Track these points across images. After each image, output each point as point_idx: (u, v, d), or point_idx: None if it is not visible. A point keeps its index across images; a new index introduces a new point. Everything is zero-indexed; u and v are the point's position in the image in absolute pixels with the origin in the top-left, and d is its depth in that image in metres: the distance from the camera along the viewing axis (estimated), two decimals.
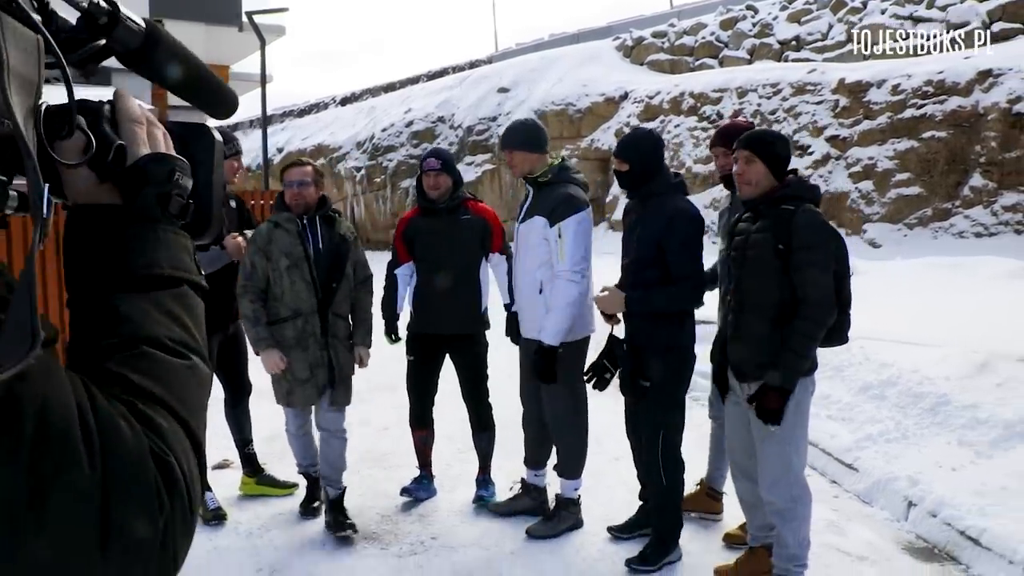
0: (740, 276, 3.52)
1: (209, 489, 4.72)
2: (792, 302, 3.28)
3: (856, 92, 15.72)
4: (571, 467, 4.42)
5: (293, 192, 4.35)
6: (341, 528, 4.34)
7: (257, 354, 4.37)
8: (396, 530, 4.47)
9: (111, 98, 0.86)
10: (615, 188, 20.37)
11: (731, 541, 4.15)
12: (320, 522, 4.55)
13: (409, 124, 25.62)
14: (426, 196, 4.74)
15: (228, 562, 4.12)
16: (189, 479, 0.71)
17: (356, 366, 4.55)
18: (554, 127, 21.52)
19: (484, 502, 4.76)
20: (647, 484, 4.21)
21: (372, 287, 4.63)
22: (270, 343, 4.26)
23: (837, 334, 3.42)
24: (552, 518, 4.39)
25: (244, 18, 14.47)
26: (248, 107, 38.02)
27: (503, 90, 23.41)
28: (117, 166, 0.81)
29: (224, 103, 0.98)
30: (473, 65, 27.73)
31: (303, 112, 33.92)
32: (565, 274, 4.04)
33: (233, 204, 4.99)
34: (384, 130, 26.45)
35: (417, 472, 4.97)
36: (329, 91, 34.74)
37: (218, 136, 0.94)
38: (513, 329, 4.59)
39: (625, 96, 21.06)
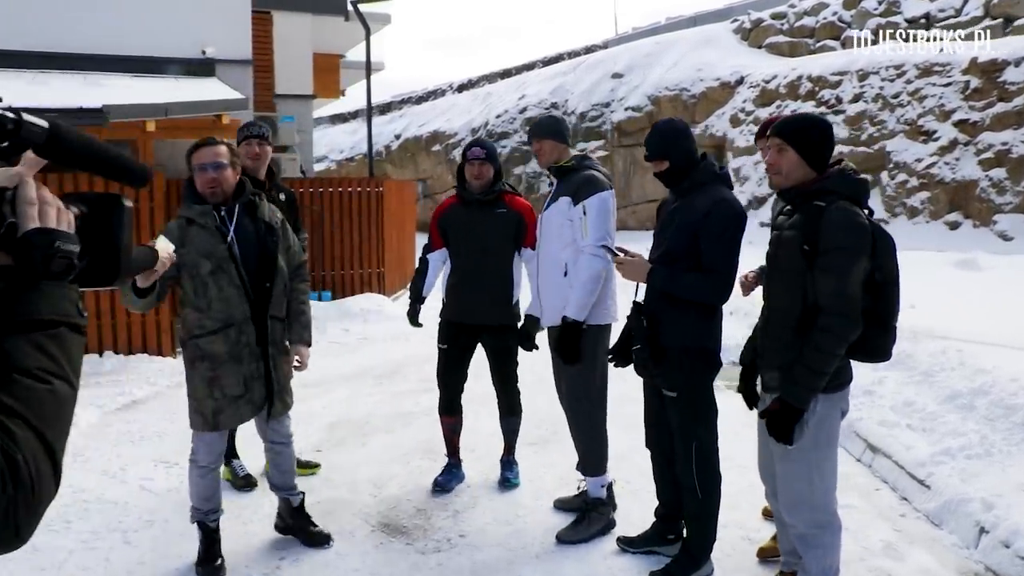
0: (769, 276, 3.23)
1: (236, 457, 5.02)
2: (816, 310, 2.96)
3: (990, 72, 14.64)
4: (592, 463, 4.25)
5: (208, 177, 3.62)
6: (317, 540, 4.11)
7: None
8: (427, 525, 4.37)
9: (16, 184, 1.09)
10: None
11: (765, 555, 3.85)
12: (344, 515, 4.50)
13: (523, 110, 25.58)
14: (466, 185, 4.69)
15: (251, 547, 4.11)
16: (34, 474, 0.96)
17: (293, 370, 4.03)
18: (667, 113, 21.01)
19: (510, 484, 4.86)
20: (666, 501, 3.97)
21: (307, 274, 4.18)
22: None
23: (875, 351, 3.05)
24: (581, 521, 4.19)
25: (350, 7, 14.64)
26: (353, 95, 38.95)
27: (617, 76, 23.04)
28: (9, 238, 1.07)
29: (132, 176, 1.22)
30: (588, 50, 27.43)
31: (421, 99, 34.36)
32: (589, 248, 3.95)
33: (283, 197, 4.98)
34: (498, 116, 26.51)
35: (446, 460, 5.00)
36: (447, 77, 34.89)
37: (128, 204, 1.21)
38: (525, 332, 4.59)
39: (741, 81, 20.35)
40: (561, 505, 4.53)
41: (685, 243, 3.55)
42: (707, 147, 20.66)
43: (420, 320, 4.93)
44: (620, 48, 25.15)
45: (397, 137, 31.89)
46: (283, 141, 13.76)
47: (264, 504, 4.61)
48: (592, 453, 4.25)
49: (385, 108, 36.25)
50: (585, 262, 3.95)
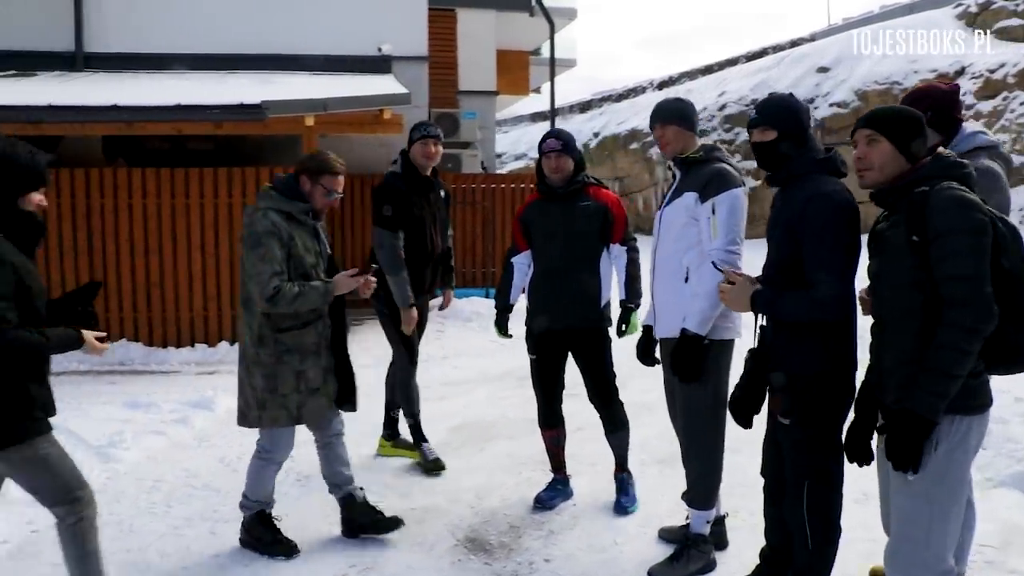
0: (877, 286, 2.66)
1: (425, 440, 5.17)
2: (939, 307, 2.40)
3: None
4: (700, 494, 3.74)
5: (331, 202, 3.87)
6: (389, 526, 4.04)
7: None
8: (514, 544, 4.04)
9: None
10: None
11: None
12: (435, 524, 4.26)
13: (722, 108, 24.60)
14: (545, 180, 4.38)
15: (317, 560, 3.95)
16: None
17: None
18: None
19: (623, 510, 4.40)
20: (774, 543, 3.37)
21: None
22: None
23: (1010, 355, 2.44)
24: (678, 558, 3.71)
25: (534, 2, 14.52)
26: (566, 92, 38.98)
27: (823, 69, 21.62)
28: None
29: None
30: (794, 44, 25.96)
31: (621, 97, 33.94)
32: (717, 253, 3.46)
33: (442, 194, 5.21)
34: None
35: (550, 476, 4.65)
36: (647, 75, 34.31)
37: None
38: (644, 345, 3.99)
39: (961, 71, 18.47)
40: (666, 535, 4.06)
41: (788, 249, 3.00)
42: None
43: (510, 331, 4.67)
44: (828, 40, 23.60)
45: (596, 135, 31.65)
46: (464, 137, 13.85)
47: (313, 505, 4.46)
48: (701, 483, 3.75)
49: (585, 106, 36.16)
50: (711, 269, 3.44)
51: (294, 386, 3.76)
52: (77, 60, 10.90)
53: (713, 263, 3.40)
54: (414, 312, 4.93)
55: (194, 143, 11.23)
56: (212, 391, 6.79)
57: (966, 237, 2.36)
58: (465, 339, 9.42)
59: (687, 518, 3.97)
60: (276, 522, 4.00)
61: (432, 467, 5.05)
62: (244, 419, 3.87)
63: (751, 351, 3.15)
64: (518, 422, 6.08)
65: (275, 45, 11.10)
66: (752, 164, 22.37)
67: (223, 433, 5.85)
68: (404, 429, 5.31)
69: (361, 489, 4.10)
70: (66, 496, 3.03)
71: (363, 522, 4.04)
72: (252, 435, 5.62)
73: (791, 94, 3.27)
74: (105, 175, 8.48)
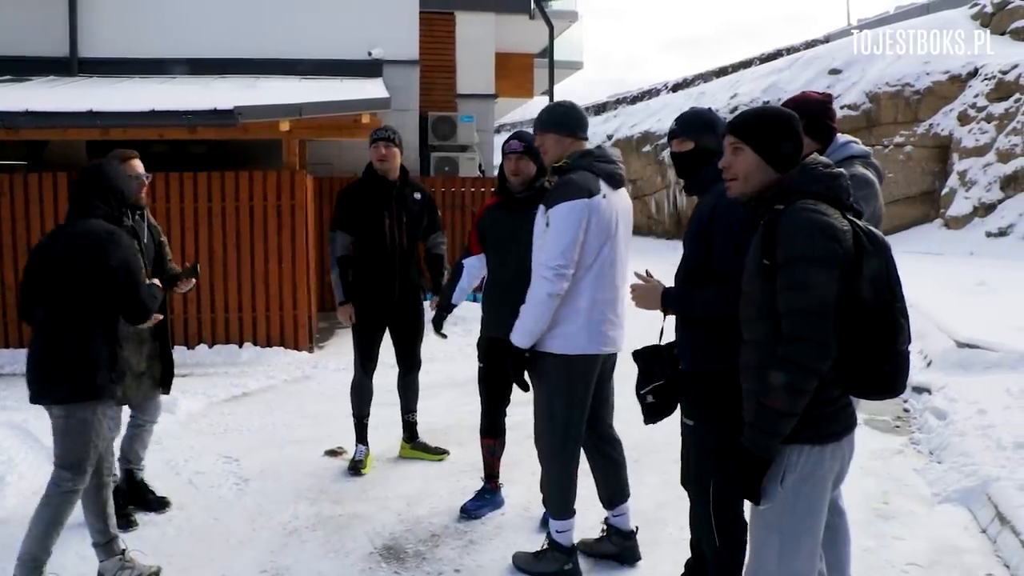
0: (741, 312, 2.57)
1: (365, 443, 5.28)
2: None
3: None
4: (552, 503, 3.74)
5: (142, 184, 4.33)
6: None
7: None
8: (429, 553, 4.00)
9: None
10: (952, 180, 17.72)
11: None
12: (356, 531, 4.26)
13: (733, 110, 24.43)
14: (505, 183, 4.30)
15: (227, 563, 3.96)
16: None
17: None
18: (887, 111, 19.25)
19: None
20: (700, 555, 3.33)
21: None
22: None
23: (875, 383, 2.35)
24: (541, 556, 3.74)
25: (533, 5, 14.49)
26: (588, 95, 38.78)
27: (834, 71, 21.43)
28: None
29: None
30: (808, 45, 25.72)
31: (635, 99, 33.80)
32: (539, 269, 3.45)
33: (418, 196, 5.24)
34: None
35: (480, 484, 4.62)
36: (662, 77, 34.11)
37: None
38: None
39: (974, 73, 18.22)
40: (584, 548, 4.01)
41: (697, 249, 3.04)
42: (930, 147, 18.66)
43: (444, 331, 4.69)
44: (841, 42, 23.36)
45: (609, 137, 31.53)
46: (462, 141, 13.83)
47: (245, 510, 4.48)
48: (552, 490, 3.74)
49: (600, 108, 36.04)
50: (534, 284, 3.46)
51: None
52: (72, 65, 11.03)
53: (635, 272, 3.36)
54: (348, 308, 5.10)
55: (193, 147, 11.36)
56: (180, 394, 6.85)
57: (811, 268, 2.23)
58: (443, 343, 9.37)
59: (603, 530, 3.96)
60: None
61: (354, 469, 5.13)
62: None
63: (649, 349, 3.15)
64: (471, 429, 5.98)
65: (267, 50, 11.16)
66: None
67: (179, 436, 5.89)
68: (422, 432, 5.56)
69: (141, 471, 4.56)
70: (79, 465, 3.40)
71: (135, 498, 4.48)
72: (205, 440, 5.70)
73: (710, 109, 3.30)
74: None
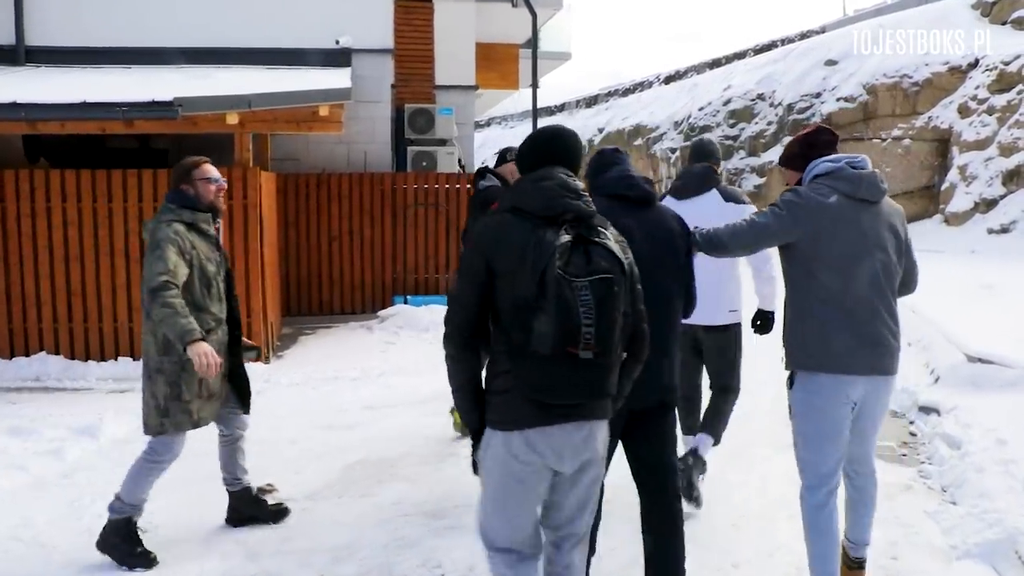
0: None
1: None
2: None
3: None
4: None
5: (217, 187, 4.06)
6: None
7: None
8: None
9: None
10: (952, 175, 17.10)
11: None
12: None
13: (727, 102, 23.83)
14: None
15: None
16: None
17: None
18: (885, 103, 18.60)
19: None
20: None
21: None
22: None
23: None
24: None
25: None
26: (585, 88, 38.06)
27: (831, 63, 20.78)
28: None
29: None
30: (803, 36, 25.04)
31: (627, 91, 33.14)
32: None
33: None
34: (701, 109, 24.94)
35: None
36: (654, 69, 33.48)
37: None
38: None
39: (975, 64, 17.58)
40: None
41: None
42: (929, 141, 18.03)
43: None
44: (837, 33, 22.71)
45: (600, 131, 30.96)
46: (440, 134, 13.15)
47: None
48: None
49: (592, 101, 35.39)
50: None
51: (196, 392, 3.87)
52: (18, 55, 10.32)
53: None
54: None
55: (157, 142, 10.69)
56: (113, 413, 6.20)
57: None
58: (412, 352, 8.74)
59: None
60: (141, 533, 3.93)
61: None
62: (148, 428, 3.89)
63: None
64: (426, 458, 5.39)
65: (229, 38, 10.48)
66: (752, 161, 21.50)
67: (96, 467, 5.21)
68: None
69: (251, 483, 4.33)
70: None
71: (249, 513, 4.30)
72: (120, 474, 5.01)
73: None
74: (21, 176, 7.88)
